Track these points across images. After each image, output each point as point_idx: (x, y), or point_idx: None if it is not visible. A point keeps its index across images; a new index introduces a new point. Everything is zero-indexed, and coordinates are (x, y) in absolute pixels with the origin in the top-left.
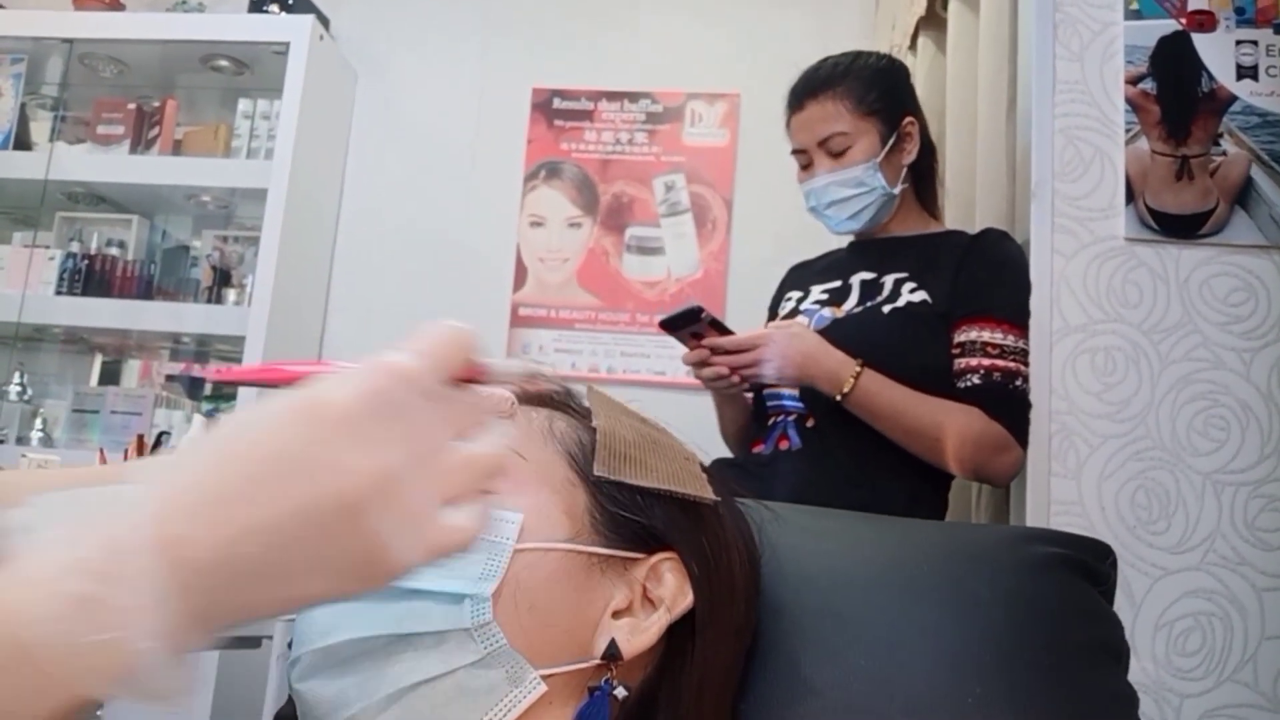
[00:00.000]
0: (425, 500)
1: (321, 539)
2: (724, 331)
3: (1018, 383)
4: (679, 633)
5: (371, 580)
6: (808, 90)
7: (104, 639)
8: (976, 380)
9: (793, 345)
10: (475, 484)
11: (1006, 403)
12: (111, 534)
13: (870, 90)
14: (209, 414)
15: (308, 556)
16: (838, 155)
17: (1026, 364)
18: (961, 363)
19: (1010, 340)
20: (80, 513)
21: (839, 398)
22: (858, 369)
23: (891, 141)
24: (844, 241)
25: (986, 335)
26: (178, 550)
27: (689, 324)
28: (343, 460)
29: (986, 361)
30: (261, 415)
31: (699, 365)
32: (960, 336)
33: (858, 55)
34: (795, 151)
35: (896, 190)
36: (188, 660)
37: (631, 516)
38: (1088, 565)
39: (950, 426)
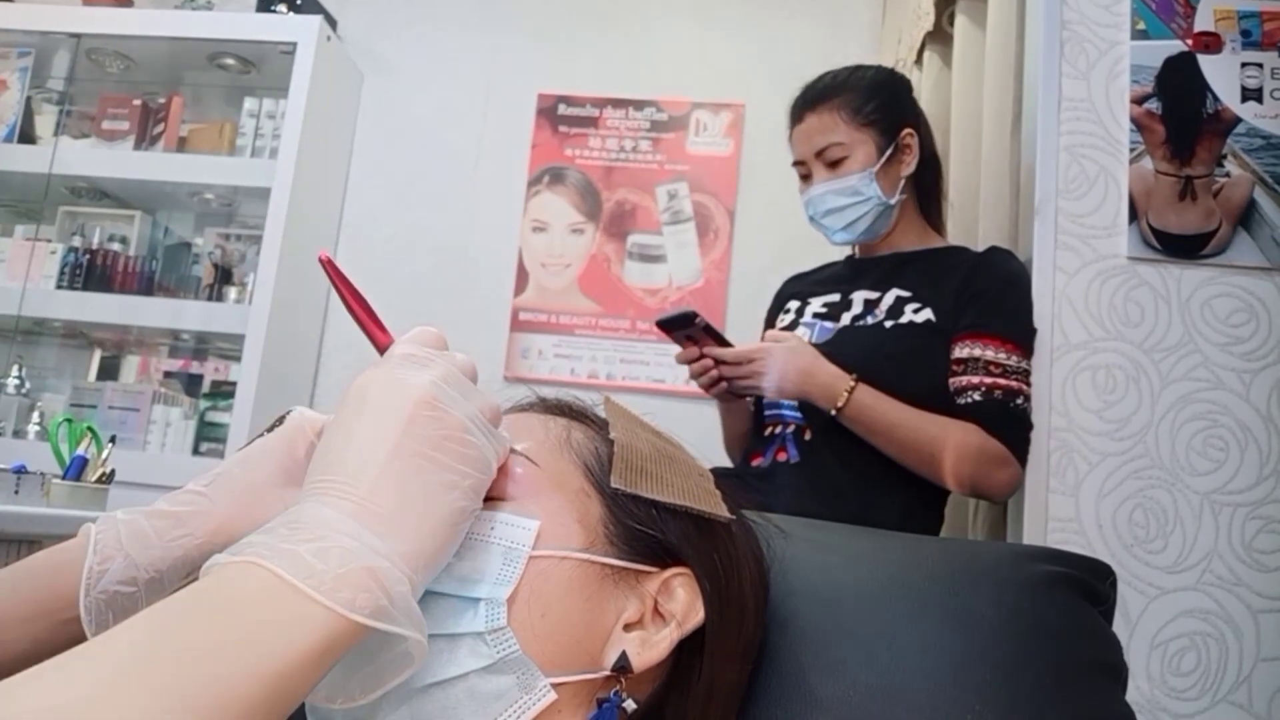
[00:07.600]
0: (472, 402)
1: (425, 440)
2: (717, 336)
3: (1018, 401)
4: (688, 648)
5: (469, 461)
6: (806, 103)
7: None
8: (977, 397)
9: (790, 360)
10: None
11: (1006, 420)
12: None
13: (867, 101)
14: (205, 411)
15: (433, 470)
16: (834, 165)
17: (1029, 384)
18: (962, 380)
19: (1013, 360)
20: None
21: (834, 412)
22: (852, 383)
23: (889, 152)
24: (844, 253)
25: (990, 354)
26: (411, 563)
27: (684, 327)
28: (408, 378)
29: (988, 380)
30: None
31: (692, 365)
32: (960, 352)
33: (856, 68)
34: (795, 163)
35: (893, 201)
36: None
37: (646, 530)
38: (1089, 585)
39: (948, 441)
